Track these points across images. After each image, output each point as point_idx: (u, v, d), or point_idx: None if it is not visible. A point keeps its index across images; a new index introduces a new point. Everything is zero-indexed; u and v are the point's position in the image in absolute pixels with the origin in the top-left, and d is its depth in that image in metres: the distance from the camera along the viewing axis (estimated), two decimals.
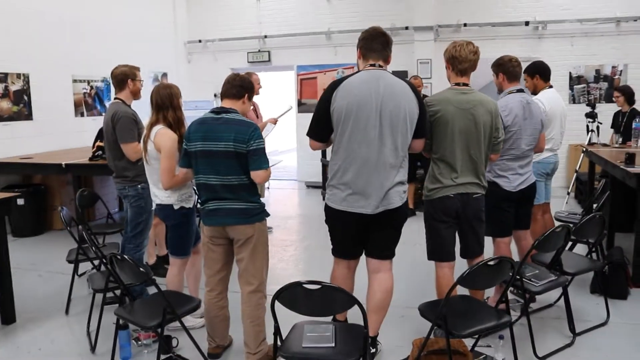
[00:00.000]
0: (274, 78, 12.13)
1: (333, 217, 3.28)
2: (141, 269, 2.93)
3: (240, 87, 3.29)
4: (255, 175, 3.15)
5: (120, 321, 3.31)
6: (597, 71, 9.11)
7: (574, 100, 9.25)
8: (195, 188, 3.85)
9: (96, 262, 4.03)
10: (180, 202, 3.66)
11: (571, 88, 9.24)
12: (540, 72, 4.92)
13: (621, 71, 9.00)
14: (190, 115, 11.09)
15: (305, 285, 2.51)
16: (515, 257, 4.09)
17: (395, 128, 3.11)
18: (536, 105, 4.10)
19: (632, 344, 3.70)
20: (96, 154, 6.20)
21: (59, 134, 7.64)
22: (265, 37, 10.35)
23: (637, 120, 6.62)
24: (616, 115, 7.22)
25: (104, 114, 8.46)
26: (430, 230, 3.55)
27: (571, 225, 3.97)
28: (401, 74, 9.78)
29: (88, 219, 6.77)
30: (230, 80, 3.31)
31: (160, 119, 3.60)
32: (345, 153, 3.14)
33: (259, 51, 10.45)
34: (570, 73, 9.21)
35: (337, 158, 3.19)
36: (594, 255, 4.46)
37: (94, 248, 3.51)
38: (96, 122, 8.20)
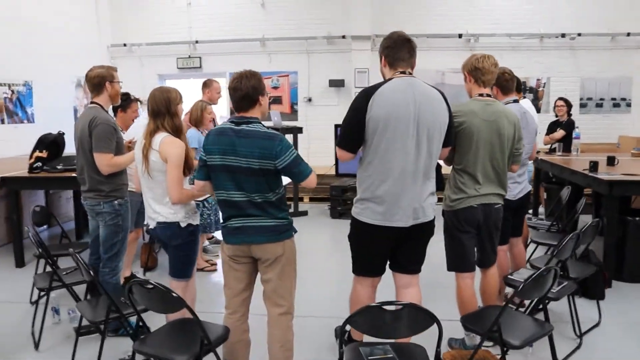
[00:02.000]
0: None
1: (365, 232, 3.08)
2: (173, 295, 2.58)
3: (248, 95, 3.00)
4: (307, 183, 2.96)
5: (128, 355, 2.93)
6: (524, 83, 9.61)
7: None
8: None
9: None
10: (187, 218, 3.31)
11: None
12: None
13: (544, 83, 9.58)
14: None
15: (385, 307, 2.33)
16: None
17: (432, 137, 3.01)
18: (530, 115, 4.19)
19: (632, 342, 3.86)
20: (34, 165, 5.55)
21: None
22: (197, 42, 9.92)
23: (577, 129, 7.05)
24: (552, 124, 7.63)
25: (25, 120, 7.67)
26: (453, 240, 3.48)
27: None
28: (338, 83, 9.78)
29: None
30: (236, 88, 2.96)
31: (160, 127, 3.24)
32: (381, 164, 2.97)
33: (190, 57, 10.00)
34: None
35: (372, 169, 3.01)
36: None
37: (91, 273, 3.05)
38: (18, 130, 7.43)
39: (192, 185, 3.32)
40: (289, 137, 8.18)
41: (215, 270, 5.51)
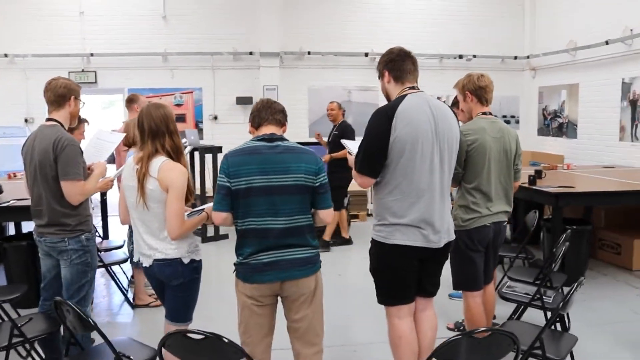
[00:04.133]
0: (102, 102, 10.70)
1: (398, 255, 2.87)
2: (225, 340, 2.22)
3: (283, 112, 2.87)
4: (327, 214, 2.79)
5: None
6: None
7: None
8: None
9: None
10: (190, 253, 2.91)
11: None
12: None
13: (444, 101, 10.07)
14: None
15: (474, 335, 2.21)
16: None
17: (451, 152, 2.95)
18: None
19: (604, 343, 4.11)
20: None
21: None
22: (92, 55, 9.09)
23: None
24: None
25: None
26: (464, 260, 3.43)
27: None
28: (246, 100, 9.51)
29: None
30: (269, 104, 2.85)
31: (159, 149, 2.85)
32: (409, 186, 2.81)
33: (83, 71, 9.13)
34: None
35: (399, 193, 2.83)
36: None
37: (91, 323, 2.54)
38: None
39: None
40: (208, 157, 7.79)
41: (160, 304, 4.99)
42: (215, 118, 9.65)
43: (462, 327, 4.27)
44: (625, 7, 7.59)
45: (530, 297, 3.62)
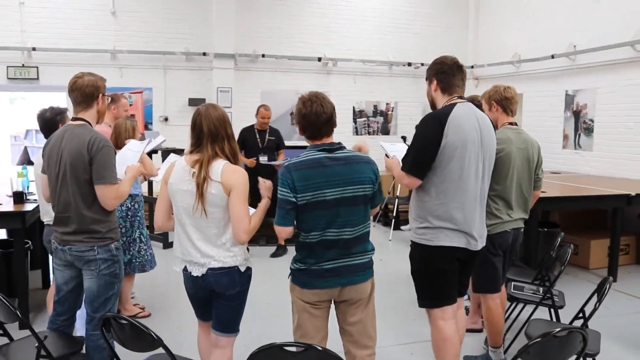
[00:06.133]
0: (44, 100, 9.97)
1: (442, 256, 2.99)
2: (319, 348, 2.19)
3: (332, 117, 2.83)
4: (374, 211, 2.91)
5: None
6: (375, 107, 10.30)
7: (356, 132, 10.23)
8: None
9: None
10: (246, 261, 2.85)
11: (354, 121, 10.21)
12: None
13: (393, 107, 10.38)
14: None
15: (556, 334, 2.34)
16: None
17: (491, 161, 3.13)
18: None
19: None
20: None
21: None
22: (33, 49, 8.50)
23: None
24: None
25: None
26: (486, 264, 3.57)
27: None
28: (199, 102, 9.28)
29: None
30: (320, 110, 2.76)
31: (219, 152, 2.77)
32: (456, 190, 2.94)
33: (24, 66, 8.53)
34: (353, 107, 10.18)
35: (444, 196, 2.95)
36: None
37: (153, 336, 2.41)
38: None
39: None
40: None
41: (148, 315, 4.79)
42: (166, 119, 9.34)
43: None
44: (569, 24, 8.17)
45: (541, 296, 3.84)
